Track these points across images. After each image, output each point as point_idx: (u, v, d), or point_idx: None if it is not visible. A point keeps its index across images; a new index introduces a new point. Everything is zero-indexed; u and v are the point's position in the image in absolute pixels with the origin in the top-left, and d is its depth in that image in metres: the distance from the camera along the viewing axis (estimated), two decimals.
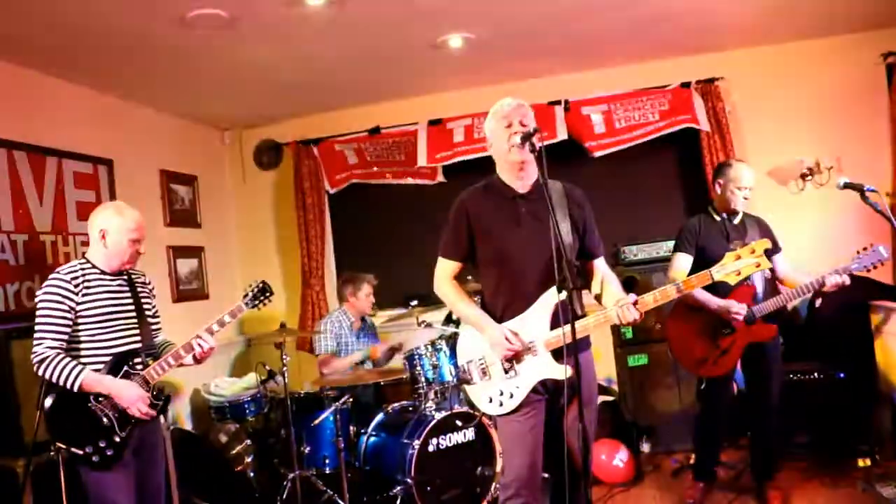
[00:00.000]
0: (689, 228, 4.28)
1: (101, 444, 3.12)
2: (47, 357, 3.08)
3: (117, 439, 3.16)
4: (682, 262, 4.20)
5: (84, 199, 4.98)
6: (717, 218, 4.27)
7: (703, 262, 4.08)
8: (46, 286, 3.18)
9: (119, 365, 3.22)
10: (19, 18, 3.97)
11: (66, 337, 3.15)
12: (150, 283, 3.60)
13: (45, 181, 4.73)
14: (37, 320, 3.15)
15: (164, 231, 5.95)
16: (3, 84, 4.51)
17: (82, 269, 3.26)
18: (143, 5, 4.01)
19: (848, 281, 3.88)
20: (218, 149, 6.91)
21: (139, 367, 3.30)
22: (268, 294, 3.61)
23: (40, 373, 3.09)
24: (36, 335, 3.13)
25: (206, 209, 6.52)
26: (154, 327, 3.56)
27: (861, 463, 4.57)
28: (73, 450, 3.10)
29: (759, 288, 4.15)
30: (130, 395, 3.18)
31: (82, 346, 3.20)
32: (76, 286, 3.18)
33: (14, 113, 4.56)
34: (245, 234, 7.00)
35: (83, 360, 3.17)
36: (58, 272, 3.22)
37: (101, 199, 5.11)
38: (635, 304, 2.86)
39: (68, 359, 3.11)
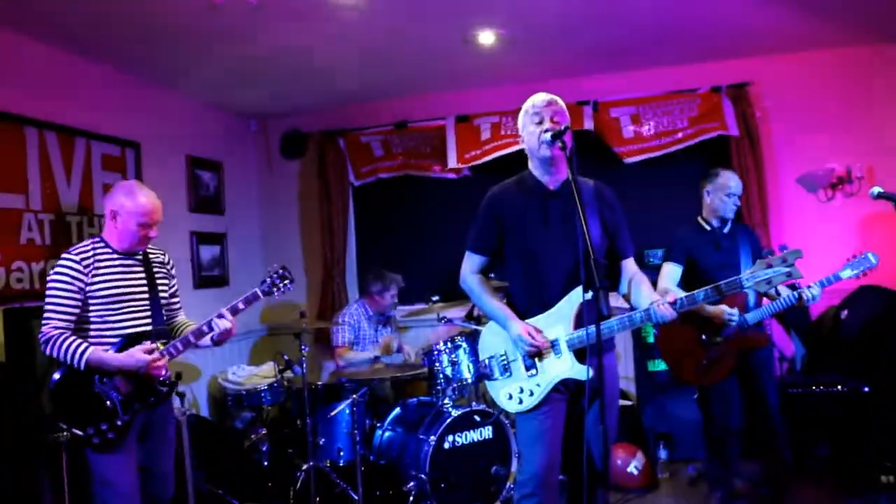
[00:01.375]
0: (679, 239, 4.25)
1: (103, 427, 3.12)
2: (52, 337, 3.09)
3: (119, 423, 3.15)
4: (672, 273, 4.18)
5: (110, 182, 4.97)
6: (707, 227, 4.24)
7: (693, 271, 4.12)
8: (57, 266, 3.18)
9: (125, 348, 3.19)
10: (53, 0, 3.98)
11: (73, 318, 3.16)
12: (169, 262, 3.57)
13: (73, 162, 4.75)
14: (46, 300, 3.16)
15: (187, 216, 5.97)
16: (35, 64, 4.53)
17: (94, 248, 3.26)
18: None
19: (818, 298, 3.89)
20: (244, 136, 6.92)
21: None
22: (286, 281, 3.52)
23: (47, 352, 3.11)
24: (44, 315, 3.14)
25: (231, 196, 6.52)
26: (173, 307, 3.57)
27: (884, 479, 4.48)
28: (75, 430, 3.11)
29: (752, 296, 4.10)
30: (137, 361, 3.15)
31: (91, 326, 3.20)
32: (86, 266, 3.17)
33: (46, 93, 4.58)
34: (268, 222, 7.01)
35: (91, 340, 3.17)
36: (69, 252, 3.22)
37: None
38: (673, 303, 2.84)
39: (73, 337, 3.11)
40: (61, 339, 3.09)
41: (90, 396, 3.15)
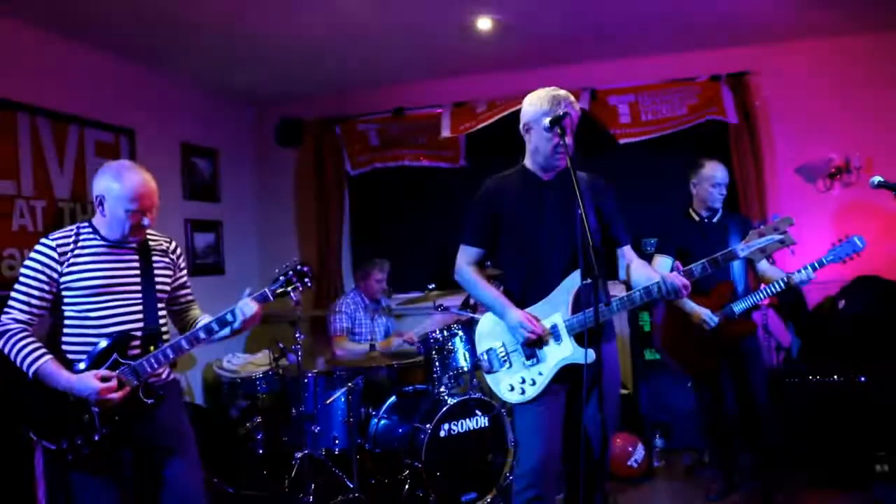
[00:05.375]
0: (668, 231, 4.35)
1: (77, 441, 2.74)
2: (9, 331, 2.74)
3: (97, 437, 2.75)
4: (662, 265, 4.23)
5: None
6: (696, 218, 4.30)
7: (685, 262, 4.09)
8: (32, 251, 2.81)
9: (108, 352, 2.79)
10: None
11: (39, 311, 2.79)
12: (175, 251, 3.13)
13: (66, 148, 4.71)
14: (14, 286, 2.81)
15: (182, 204, 5.93)
16: (28, 50, 4.48)
17: (78, 234, 2.87)
18: None
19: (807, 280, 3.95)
20: (240, 124, 6.87)
21: (133, 351, 2.85)
22: (305, 279, 3.03)
23: (0, 346, 2.76)
24: (7, 303, 2.79)
25: (226, 184, 6.48)
26: (182, 301, 3.17)
27: (878, 468, 4.48)
28: (45, 443, 2.75)
29: (740, 285, 4.16)
30: (86, 388, 2.70)
31: (71, 322, 2.82)
32: (61, 254, 2.79)
33: (38, 79, 4.54)
34: (263, 210, 6.96)
35: (69, 338, 2.82)
36: (47, 237, 2.83)
37: None
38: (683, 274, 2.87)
39: (31, 339, 2.75)
40: (19, 335, 2.73)
41: (64, 404, 2.74)
